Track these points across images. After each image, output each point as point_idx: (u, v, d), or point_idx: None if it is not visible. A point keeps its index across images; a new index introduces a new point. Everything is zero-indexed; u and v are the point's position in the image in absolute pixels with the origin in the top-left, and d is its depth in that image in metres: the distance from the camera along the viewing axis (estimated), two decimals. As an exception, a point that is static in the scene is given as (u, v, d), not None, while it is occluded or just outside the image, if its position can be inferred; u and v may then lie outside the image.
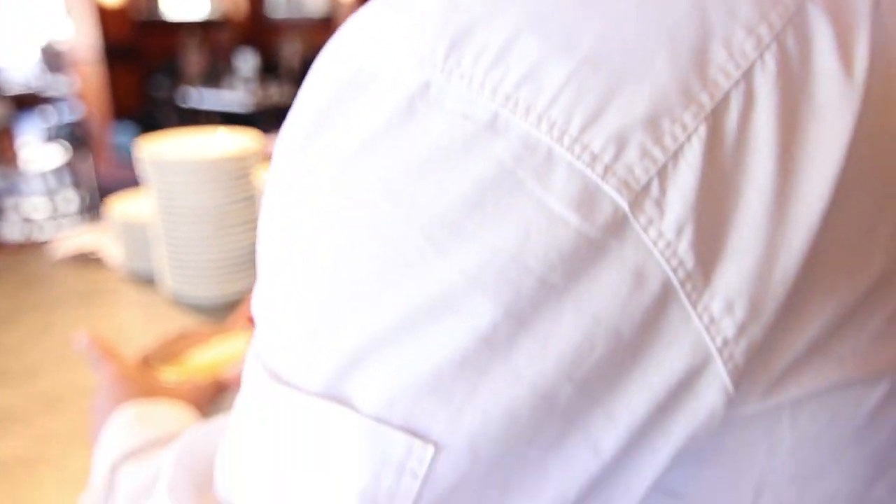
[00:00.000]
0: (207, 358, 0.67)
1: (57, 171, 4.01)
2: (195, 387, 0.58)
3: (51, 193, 3.89)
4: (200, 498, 0.32)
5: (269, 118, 5.53)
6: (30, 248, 1.18)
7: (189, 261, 0.97)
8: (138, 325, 0.98)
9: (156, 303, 1.01)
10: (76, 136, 5.33)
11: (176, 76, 5.80)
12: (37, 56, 9.66)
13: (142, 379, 0.57)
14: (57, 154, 4.29)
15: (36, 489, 0.63)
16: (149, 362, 0.65)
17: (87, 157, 4.56)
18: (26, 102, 9.04)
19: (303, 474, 0.25)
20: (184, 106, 5.51)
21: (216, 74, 6.23)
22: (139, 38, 6.05)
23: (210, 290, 0.97)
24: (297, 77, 6.05)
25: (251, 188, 0.97)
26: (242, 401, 0.29)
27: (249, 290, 0.86)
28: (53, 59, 9.33)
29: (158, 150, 0.96)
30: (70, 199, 3.94)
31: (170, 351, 0.67)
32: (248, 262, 0.99)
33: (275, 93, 5.51)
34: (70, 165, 4.13)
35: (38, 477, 0.65)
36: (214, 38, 6.30)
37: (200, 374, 0.63)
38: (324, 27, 6.89)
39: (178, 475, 0.33)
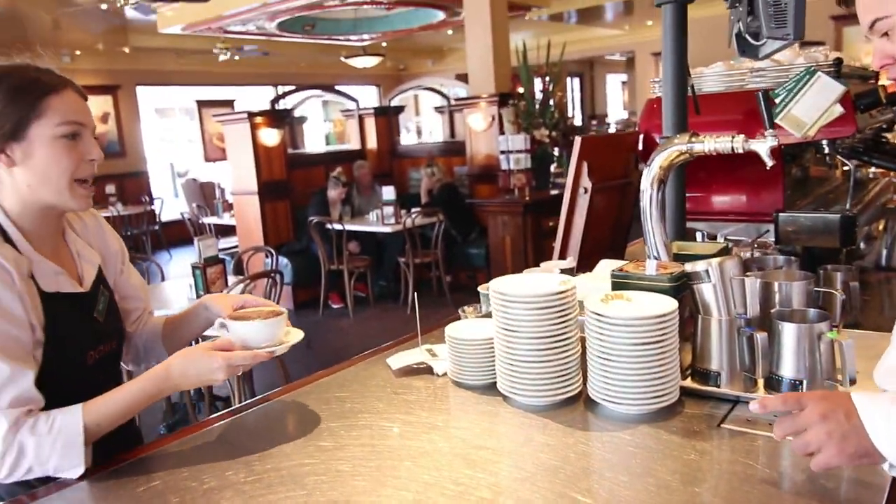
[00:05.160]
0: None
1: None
2: None
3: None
4: None
5: (404, 240, 6.02)
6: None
7: (524, 372, 1.25)
8: (473, 420, 1.25)
9: (492, 407, 1.29)
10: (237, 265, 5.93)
11: (321, 205, 6.44)
12: (185, 190, 10.87)
13: None
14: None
15: None
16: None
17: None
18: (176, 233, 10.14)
19: None
20: (329, 229, 6.09)
21: (357, 202, 6.87)
22: (289, 172, 6.80)
23: (539, 395, 1.24)
24: (428, 202, 6.57)
25: (573, 313, 1.25)
26: None
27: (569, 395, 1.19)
28: (195, 193, 10.47)
29: (500, 286, 1.27)
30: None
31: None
32: (570, 371, 1.26)
33: (408, 218, 6.00)
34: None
35: None
36: (353, 169, 6.98)
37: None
38: (448, 154, 7.50)
39: None
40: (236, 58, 10.28)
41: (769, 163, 1.31)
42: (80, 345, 1.22)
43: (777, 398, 0.93)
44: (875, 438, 0.81)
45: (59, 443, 1.08)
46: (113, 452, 1.19)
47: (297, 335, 1.30)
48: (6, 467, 1.06)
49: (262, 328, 1.24)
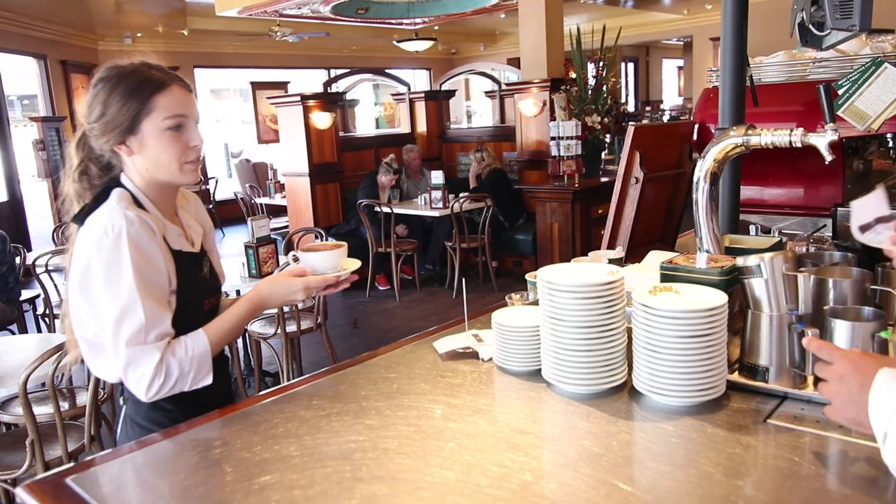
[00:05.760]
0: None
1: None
2: None
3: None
4: None
5: (451, 225, 6.05)
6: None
7: (569, 360, 1.26)
8: (519, 407, 1.27)
9: (537, 393, 1.31)
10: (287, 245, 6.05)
11: (371, 188, 6.51)
12: (238, 170, 11.10)
13: None
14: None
15: None
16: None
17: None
18: (229, 212, 10.39)
19: None
20: (378, 212, 6.16)
21: (406, 186, 6.92)
22: (340, 155, 6.89)
23: (584, 383, 1.25)
24: (477, 187, 6.56)
25: (620, 304, 1.25)
26: None
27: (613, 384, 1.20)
28: (248, 173, 10.68)
29: (548, 275, 1.28)
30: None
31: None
32: (616, 361, 1.26)
33: (456, 203, 6.02)
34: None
35: None
36: (403, 153, 7.02)
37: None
38: (497, 139, 7.48)
39: None
40: (290, 39, 10.38)
41: (828, 158, 1.28)
42: (200, 295, 1.46)
43: (815, 343, 1.01)
44: (872, 417, 0.87)
45: (195, 360, 1.33)
46: (211, 407, 1.35)
47: (354, 263, 1.50)
48: (155, 387, 1.30)
49: (328, 257, 1.47)
